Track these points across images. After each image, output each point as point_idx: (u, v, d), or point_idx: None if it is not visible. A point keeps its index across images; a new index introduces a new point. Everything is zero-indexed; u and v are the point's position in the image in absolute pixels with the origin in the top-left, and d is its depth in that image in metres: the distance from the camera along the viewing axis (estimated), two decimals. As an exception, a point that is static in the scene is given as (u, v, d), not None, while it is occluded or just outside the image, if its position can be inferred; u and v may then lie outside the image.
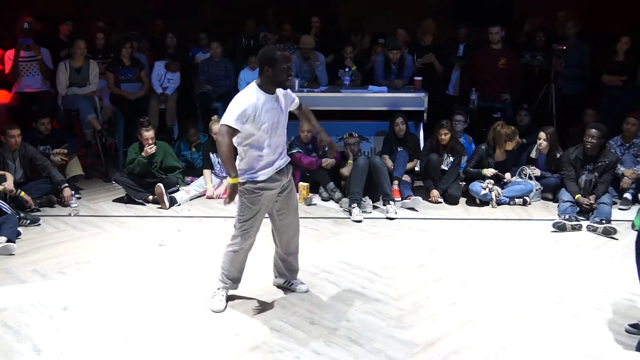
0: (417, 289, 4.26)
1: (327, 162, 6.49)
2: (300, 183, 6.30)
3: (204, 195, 6.55)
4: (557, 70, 7.45)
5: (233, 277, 3.95)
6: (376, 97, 7.17)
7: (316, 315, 3.86)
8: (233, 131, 3.53)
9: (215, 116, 6.81)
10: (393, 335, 3.61)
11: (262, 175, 3.68)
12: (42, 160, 6.13)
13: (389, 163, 6.54)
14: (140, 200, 6.22)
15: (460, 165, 6.63)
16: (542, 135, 6.51)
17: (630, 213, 5.96)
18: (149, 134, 6.26)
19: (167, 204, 6.10)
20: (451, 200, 6.34)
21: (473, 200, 6.34)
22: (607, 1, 9.21)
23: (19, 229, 5.26)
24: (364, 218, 5.79)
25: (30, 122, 6.69)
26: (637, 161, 6.57)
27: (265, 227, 4.01)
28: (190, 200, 6.39)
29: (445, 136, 6.46)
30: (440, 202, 6.38)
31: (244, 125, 3.53)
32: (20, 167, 6.05)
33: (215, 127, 6.43)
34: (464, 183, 6.53)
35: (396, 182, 6.42)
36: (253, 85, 3.64)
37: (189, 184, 6.62)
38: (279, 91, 3.72)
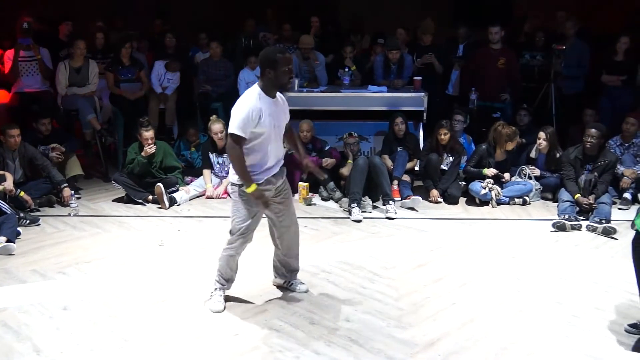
0: (417, 289, 4.26)
1: (328, 162, 6.49)
2: (300, 183, 6.30)
3: (204, 195, 6.55)
4: (557, 70, 7.45)
5: (229, 278, 3.95)
6: (376, 97, 7.17)
7: (316, 315, 3.86)
8: (242, 139, 3.55)
9: (215, 116, 6.82)
10: (393, 335, 3.61)
11: (261, 179, 3.69)
12: (42, 160, 6.12)
13: (389, 163, 6.54)
14: (140, 200, 6.22)
15: (459, 165, 6.64)
16: (541, 135, 6.51)
17: (630, 213, 5.95)
18: (148, 134, 6.26)
19: (167, 203, 6.10)
20: (451, 200, 6.34)
21: (473, 200, 6.34)
22: (607, 1, 9.22)
23: (19, 229, 5.26)
24: (364, 218, 5.79)
25: (30, 122, 6.69)
26: (637, 161, 6.57)
27: (264, 227, 4.01)
28: (190, 200, 6.39)
29: (444, 136, 6.46)
30: (440, 202, 6.38)
31: (250, 131, 3.54)
32: (20, 167, 6.05)
33: (214, 126, 6.44)
34: (464, 183, 6.53)
35: (396, 182, 6.43)
36: (256, 89, 3.63)
37: (188, 184, 6.62)
38: (279, 96, 3.73)
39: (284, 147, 3.97)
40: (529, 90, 7.67)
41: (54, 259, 4.76)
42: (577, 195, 5.92)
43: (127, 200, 6.28)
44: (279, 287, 4.24)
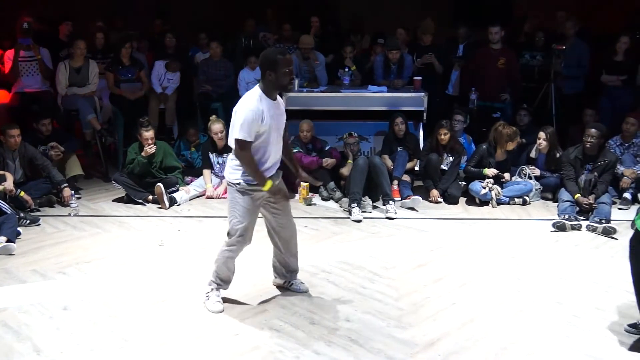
0: (417, 289, 4.26)
1: (328, 162, 6.50)
2: (301, 183, 6.30)
3: (204, 195, 6.55)
4: (557, 70, 7.45)
5: (226, 279, 3.94)
6: (376, 97, 7.17)
7: (316, 315, 3.86)
8: (249, 143, 3.55)
9: (214, 116, 6.82)
10: (393, 335, 3.61)
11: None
12: (42, 160, 6.13)
13: (389, 163, 6.54)
14: (140, 200, 6.22)
15: (460, 165, 6.64)
16: (541, 135, 6.51)
17: (630, 213, 5.95)
18: (148, 134, 6.26)
19: (167, 203, 6.10)
20: (451, 200, 6.35)
21: (473, 200, 6.34)
22: (607, 1, 9.22)
23: (19, 229, 5.26)
24: (364, 218, 5.79)
25: (31, 122, 6.69)
26: (637, 161, 6.57)
27: (263, 226, 4.01)
28: (190, 200, 6.39)
29: (444, 136, 6.46)
30: (440, 202, 6.38)
31: (255, 133, 3.55)
32: (20, 167, 6.05)
33: (214, 126, 6.44)
34: (464, 183, 6.53)
35: (396, 182, 6.43)
36: (257, 91, 3.62)
37: (188, 184, 6.62)
38: (278, 98, 3.73)
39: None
40: (529, 90, 7.67)
41: (54, 259, 4.76)
42: (577, 195, 5.92)
43: (127, 200, 6.28)
44: (279, 287, 4.24)
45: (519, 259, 4.87)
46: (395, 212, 5.86)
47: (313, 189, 6.46)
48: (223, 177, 6.49)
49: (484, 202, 6.28)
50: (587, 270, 4.64)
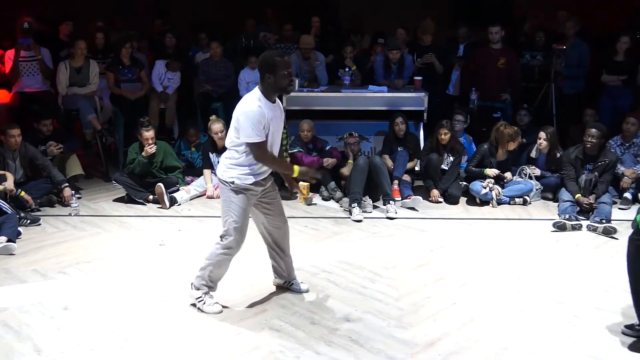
0: (417, 289, 4.26)
1: (328, 161, 6.50)
2: (301, 183, 6.28)
3: (204, 195, 6.55)
4: (557, 70, 7.45)
5: (218, 280, 3.90)
6: (376, 97, 7.17)
7: (316, 315, 3.86)
8: (263, 143, 3.57)
9: (214, 116, 6.82)
10: (393, 335, 3.61)
11: (251, 180, 3.68)
12: (43, 160, 6.13)
13: (389, 163, 6.54)
14: (141, 200, 6.22)
15: (460, 165, 6.64)
16: (542, 135, 6.51)
17: (630, 213, 5.95)
18: (149, 134, 6.26)
19: (168, 203, 6.11)
20: (451, 200, 6.35)
21: (473, 200, 6.34)
22: (607, 1, 9.22)
23: (20, 228, 5.26)
24: (364, 218, 5.79)
25: (31, 122, 6.69)
26: (637, 161, 6.57)
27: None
28: (190, 200, 6.39)
29: (445, 136, 6.46)
30: (441, 202, 6.39)
31: (265, 133, 3.56)
32: (20, 167, 6.05)
33: (215, 126, 6.44)
34: (465, 183, 6.53)
35: (396, 181, 6.43)
36: (257, 94, 3.61)
37: (189, 184, 6.63)
38: (278, 102, 3.73)
39: (285, 155, 4.02)
40: (529, 90, 7.68)
41: (55, 259, 4.76)
42: (578, 195, 5.92)
43: (127, 200, 6.28)
44: (279, 287, 4.24)
45: (520, 258, 4.87)
46: (396, 212, 5.86)
47: (313, 189, 6.46)
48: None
49: (485, 202, 6.28)
50: (587, 270, 4.64)
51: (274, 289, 4.23)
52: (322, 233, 5.46)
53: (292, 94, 6.78)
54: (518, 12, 9.80)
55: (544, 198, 6.51)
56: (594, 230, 5.47)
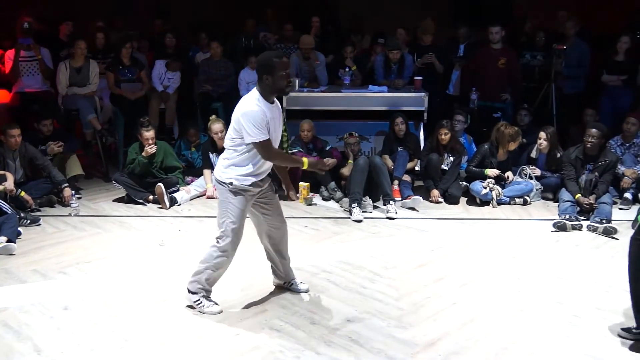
0: (417, 289, 4.26)
1: (329, 162, 6.47)
2: (301, 183, 6.30)
3: (204, 195, 6.55)
4: (557, 70, 7.45)
5: (214, 282, 3.88)
6: (376, 97, 7.17)
7: (316, 315, 3.86)
8: (268, 141, 3.56)
9: (214, 116, 6.82)
10: (393, 335, 3.60)
11: (249, 181, 3.68)
12: (43, 160, 6.13)
13: (389, 163, 6.54)
14: (141, 200, 6.22)
15: (460, 165, 6.64)
16: (542, 135, 6.51)
17: (631, 213, 5.96)
18: (149, 134, 6.26)
19: (168, 203, 6.11)
20: (451, 200, 6.34)
21: (473, 200, 6.34)
22: (607, 1, 9.22)
23: (19, 228, 5.26)
24: (364, 218, 5.79)
25: (31, 122, 6.70)
26: (638, 161, 6.57)
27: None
28: (190, 200, 6.39)
29: (445, 136, 6.46)
30: (441, 202, 6.38)
31: (268, 131, 3.57)
32: (20, 167, 6.05)
33: (215, 126, 6.44)
34: (465, 183, 6.53)
35: (396, 182, 6.43)
36: (255, 95, 3.60)
37: (189, 184, 6.63)
38: (277, 103, 3.73)
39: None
40: (529, 90, 7.68)
41: (55, 259, 4.76)
42: (578, 195, 5.92)
43: (127, 200, 6.28)
44: (278, 287, 4.23)
45: (520, 259, 4.87)
46: (396, 212, 5.86)
47: (313, 189, 6.46)
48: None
49: (485, 202, 6.28)
50: (587, 270, 4.63)
51: (273, 289, 4.23)
52: (322, 233, 5.46)
53: (292, 94, 6.82)
54: (518, 12, 9.80)
55: (544, 198, 6.51)
56: (594, 230, 5.47)
